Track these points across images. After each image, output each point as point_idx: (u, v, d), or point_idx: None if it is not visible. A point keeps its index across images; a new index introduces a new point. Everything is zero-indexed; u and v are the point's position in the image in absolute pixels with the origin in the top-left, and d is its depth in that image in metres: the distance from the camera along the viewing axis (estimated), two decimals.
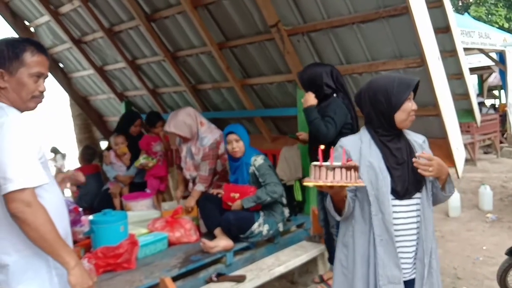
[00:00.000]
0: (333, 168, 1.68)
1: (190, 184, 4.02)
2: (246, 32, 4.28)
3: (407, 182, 1.88)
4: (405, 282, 1.92)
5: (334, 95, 3.24)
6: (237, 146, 3.42)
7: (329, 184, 1.68)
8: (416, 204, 1.92)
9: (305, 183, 1.73)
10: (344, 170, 1.68)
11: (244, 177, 3.42)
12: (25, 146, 1.62)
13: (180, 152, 4.07)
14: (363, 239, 1.91)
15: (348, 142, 1.96)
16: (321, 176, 1.68)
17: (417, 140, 2.03)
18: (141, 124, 4.98)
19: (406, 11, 3.11)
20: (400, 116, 1.89)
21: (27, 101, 1.73)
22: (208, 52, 4.76)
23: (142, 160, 4.50)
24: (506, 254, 3.42)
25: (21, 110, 1.73)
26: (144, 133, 5.12)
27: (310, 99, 3.16)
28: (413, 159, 1.86)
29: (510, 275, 3.44)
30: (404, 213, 1.90)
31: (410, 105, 1.89)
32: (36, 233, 1.57)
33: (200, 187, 3.82)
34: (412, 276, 1.95)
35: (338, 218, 1.96)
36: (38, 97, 1.77)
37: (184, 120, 3.84)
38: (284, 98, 4.56)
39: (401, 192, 1.88)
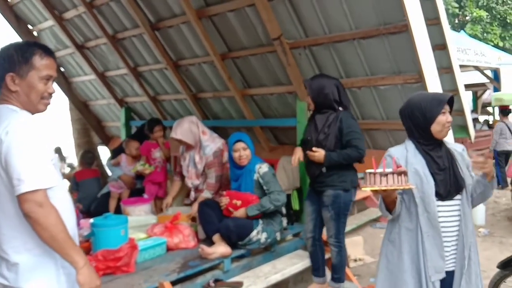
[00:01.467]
0: (386, 175, 1.95)
1: (192, 193, 4.08)
2: (249, 44, 4.38)
3: (449, 185, 2.15)
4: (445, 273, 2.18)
5: (340, 108, 3.34)
6: (245, 154, 3.48)
7: (383, 188, 1.96)
8: (457, 204, 2.18)
9: (363, 189, 2.02)
10: (395, 176, 1.95)
11: (248, 184, 3.48)
12: (38, 148, 1.67)
13: (182, 161, 4.12)
14: (410, 236, 2.18)
15: (396, 152, 2.23)
16: (376, 182, 1.96)
17: (457, 148, 2.30)
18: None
19: (405, 29, 3.21)
20: (435, 128, 2.16)
21: (37, 103, 1.78)
22: (211, 62, 4.84)
23: (138, 167, 4.55)
24: (498, 267, 3.49)
25: (32, 112, 1.78)
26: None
27: (319, 155, 3.24)
28: (473, 160, 2.18)
29: None
30: (447, 212, 2.17)
31: (444, 118, 2.15)
32: (47, 232, 1.62)
33: (207, 194, 3.91)
34: (451, 268, 2.20)
35: (390, 216, 2.20)
36: (47, 99, 1.82)
37: (190, 128, 3.93)
38: (283, 109, 4.65)
39: (443, 194, 2.15)
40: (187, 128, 3.91)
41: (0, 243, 1.69)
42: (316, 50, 3.88)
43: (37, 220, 1.61)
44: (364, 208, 6.92)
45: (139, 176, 4.75)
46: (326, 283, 3.55)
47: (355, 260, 5.03)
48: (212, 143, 3.98)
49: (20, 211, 1.63)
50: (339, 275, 3.44)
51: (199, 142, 3.97)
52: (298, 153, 3.40)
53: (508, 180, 8.38)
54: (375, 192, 2.02)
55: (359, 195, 6.81)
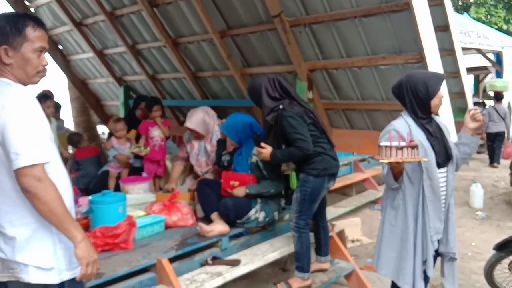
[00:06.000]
0: (401, 148, 2.13)
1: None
2: (249, 21, 4.31)
3: (443, 155, 2.44)
4: None
5: (281, 106, 3.16)
6: (229, 142, 3.60)
7: (399, 161, 2.14)
8: (445, 171, 2.49)
9: (381, 161, 2.18)
10: (409, 149, 2.13)
11: (244, 167, 3.47)
12: (35, 123, 1.65)
13: (190, 148, 4.16)
14: (413, 201, 2.42)
15: (400, 127, 2.43)
16: (392, 155, 2.14)
17: (442, 122, 2.59)
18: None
19: (407, 7, 3.16)
20: (434, 102, 2.42)
21: (32, 76, 1.75)
22: (210, 40, 4.78)
23: (134, 148, 4.55)
24: (494, 249, 3.52)
25: (26, 85, 1.75)
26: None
27: (266, 153, 3.16)
28: (472, 109, 2.47)
29: (496, 269, 3.54)
30: (440, 178, 2.46)
31: (441, 94, 2.43)
32: (46, 207, 1.61)
33: (210, 176, 3.99)
34: None
35: (396, 185, 2.41)
36: (42, 72, 1.79)
37: (204, 119, 3.96)
38: None
39: (440, 162, 2.43)
40: (201, 118, 3.95)
41: None
42: (317, 28, 3.82)
43: (36, 195, 1.60)
44: (362, 190, 6.95)
45: (137, 155, 4.73)
46: (328, 262, 3.57)
47: (353, 241, 5.07)
48: None
49: (18, 186, 1.62)
50: (301, 264, 3.28)
51: (211, 132, 4.02)
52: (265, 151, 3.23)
53: (507, 162, 8.64)
54: (389, 164, 2.21)
55: (358, 177, 6.89)
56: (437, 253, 2.58)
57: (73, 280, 1.76)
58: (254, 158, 3.45)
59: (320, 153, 3.16)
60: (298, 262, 3.29)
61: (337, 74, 3.99)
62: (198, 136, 4.05)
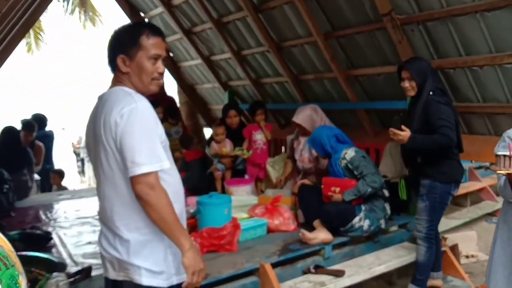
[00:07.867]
0: None
1: (300, 176, 4.17)
2: (355, 21, 4.16)
3: None
4: None
5: (431, 92, 3.03)
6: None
7: None
8: None
9: (498, 172, 2.02)
10: None
11: (336, 172, 3.41)
12: (151, 132, 1.69)
13: (296, 145, 4.24)
14: None
15: None
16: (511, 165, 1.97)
17: None
18: (238, 115, 5.08)
19: None
20: None
21: (148, 84, 1.79)
22: (313, 42, 4.71)
23: (237, 151, 4.65)
24: None
25: (143, 92, 1.79)
26: (245, 123, 5.31)
27: (404, 135, 2.94)
28: None
29: None
30: None
31: None
32: (157, 214, 1.66)
33: (312, 178, 4.00)
34: None
35: None
36: (158, 79, 1.81)
37: (311, 115, 4.06)
38: (392, 90, 4.33)
39: None
40: (308, 115, 4.06)
41: (114, 220, 1.76)
42: (431, 26, 3.54)
43: (148, 202, 1.65)
44: (478, 201, 6.33)
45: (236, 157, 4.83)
46: (440, 279, 3.29)
47: (467, 257, 4.63)
48: None
49: (132, 192, 1.68)
50: (421, 277, 3.08)
51: None
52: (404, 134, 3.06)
53: None
54: (507, 175, 2.03)
55: (473, 186, 6.28)
56: None
57: (180, 285, 1.78)
58: (343, 162, 3.36)
59: (450, 157, 3.00)
60: (420, 275, 3.11)
61: (454, 74, 3.66)
62: (304, 132, 4.10)
